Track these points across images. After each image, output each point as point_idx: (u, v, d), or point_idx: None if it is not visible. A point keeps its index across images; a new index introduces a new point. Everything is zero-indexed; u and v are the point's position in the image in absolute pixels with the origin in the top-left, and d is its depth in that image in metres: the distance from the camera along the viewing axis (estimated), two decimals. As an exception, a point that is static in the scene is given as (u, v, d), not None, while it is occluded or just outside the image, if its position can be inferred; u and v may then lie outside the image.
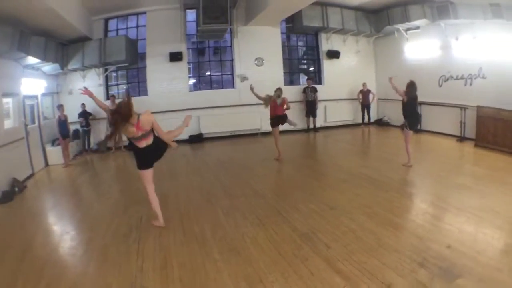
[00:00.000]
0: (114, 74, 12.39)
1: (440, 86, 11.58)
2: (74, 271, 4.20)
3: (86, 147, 11.30)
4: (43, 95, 10.19)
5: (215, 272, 3.96)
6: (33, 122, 9.54)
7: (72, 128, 10.92)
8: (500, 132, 9.19)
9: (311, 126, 12.93)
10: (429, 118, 11.94)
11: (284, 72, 13.40)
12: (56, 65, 10.32)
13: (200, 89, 12.78)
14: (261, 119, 12.43)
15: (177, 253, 4.44)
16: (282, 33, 13.20)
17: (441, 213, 5.36)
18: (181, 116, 10.38)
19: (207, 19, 10.70)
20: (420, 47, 12.18)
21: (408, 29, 12.20)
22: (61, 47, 10.42)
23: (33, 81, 9.49)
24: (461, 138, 10.64)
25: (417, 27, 11.92)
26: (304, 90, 12.90)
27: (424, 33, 11.91)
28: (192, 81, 12.87)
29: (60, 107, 9.98)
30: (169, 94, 11.87)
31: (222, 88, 12.80)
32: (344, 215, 5.37)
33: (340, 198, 6.19)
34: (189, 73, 12.67)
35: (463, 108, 10.60)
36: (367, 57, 14.25)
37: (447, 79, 11.34)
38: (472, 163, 8.56)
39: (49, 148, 9.91)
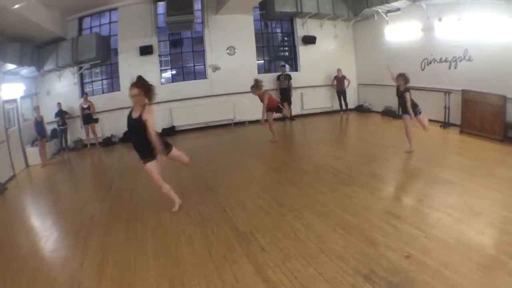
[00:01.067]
0: (88, 72, 11.55)
1: (423, 69, 10.17)
2: (33, 266, 3.96)
3: (64, 145, 10.67)
4: (22, 97, 9.75)
5: (144, 270, 3.62)
6: (14, 125, 9.18)
7: (50, 127, 10.41)
8: (488, 118, 7.96)
9: (288, 114, 11.55)
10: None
11: (260, 60, 12.31)
12: (33, 68, 9.86)
13: (176, 81, 11.82)
14: (234, 109, 11.58)
15: (115, 251, 4.13)
16: (256, 20, 11.99)
17: (409, 213, 4.36)
18: (155, 110, 9.48)
19: (172, 11, 9.79)
20: (401, 29, 10.85)
21: (388, 11, 10.89)
22: (37, 50, 9.99)
23: (12, 85, 9.14)
24: (445, 124, 9.37)
25: (398, 9, 10.56)
26: (278, 78, 11.87)
27: (405, 15, 10.52)
28: (167, 73, 11.96)
29: (36, 108, 9.56)
30: None
31: (195, 79, 11.76)
32: (292, 213, 4.61)
33: (295, 193, 5.42)
34: (164, 66, 11.76)
35: (447, 92, 9.36)
36: (346, 41, 12.92)
37: (430, 62, 9.94)
38: (456, 152, 7.34)
39: (28, 149, 9.49)
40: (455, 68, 9.18)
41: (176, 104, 11.04)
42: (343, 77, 11.97)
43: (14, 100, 9.25)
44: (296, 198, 5.15)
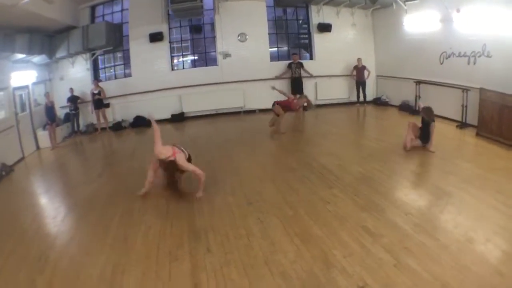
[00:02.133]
0: (103, 58, 11.69)
1: (442, 63, 9.52)
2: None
3: (76, 129, 10.89)
4: (34, 84, 10.08)
5: (98, 254, 3.74)
6: (24, 110, 9.50)
7: (63, 112, 10.94)
8: (505, 122, 7.09)
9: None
10: (429, 99, 9.81)
11: (273, 48, 11.89)
12: (44, 56, 10.10)
13: (188, 67, 11.74)
14: (244, 97, 11.37)
15: (82, 233, 4.35)
16: (269, 6, 11.52)
17: (387, 231, 3.77)
18: (164, 96, 10.92)
19: None
20: (420, 20, 10.14)
21: (407, 0, 10.17)
22: (48, 39, 10.15)
23: (23, 73, 9.48)
24: (462, 124, 8.67)
25: None
26: (289, 66, 11.41)
27: (424, 4, 9.81)
28: (179, 60, 11.78)
29: (47, 94, 9.92)
30: (151, 75, 11.03)
31: (206, 66, 11.59)
32: (256, 215, 4.35)
33: (270, 192, 5.11)
34: (177, 52, 11.56)
35: (465, 89, 8.65)
36: (365, 30, 12.25)
37: (449, 56, 9.25)
38: (466, 158, 6.48)
39: (40, 133, 9.75)
40: (474, 64, 8.45)
41: (186, 90, 10.96)
42: (363, 68, 11.45)
43: (26, 87, 9.55)
44: (268, 198, 4.87)
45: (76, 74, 10.88)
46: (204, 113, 11.27)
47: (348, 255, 3.32)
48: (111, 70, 11.61)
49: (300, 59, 11.48)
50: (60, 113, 10.71)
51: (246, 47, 11.17)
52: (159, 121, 10.53)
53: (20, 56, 8.94)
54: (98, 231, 4.30)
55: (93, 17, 11.08)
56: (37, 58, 9.99)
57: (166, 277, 3.21)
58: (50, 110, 9.59)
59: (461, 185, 4.91)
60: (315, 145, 7.75)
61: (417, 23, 10.18)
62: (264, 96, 10.80)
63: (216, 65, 11.27)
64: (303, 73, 11.34)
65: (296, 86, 11.19)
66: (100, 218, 4.70)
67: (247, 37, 11.17)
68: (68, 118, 10.81)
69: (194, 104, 11.04)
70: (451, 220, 3.93)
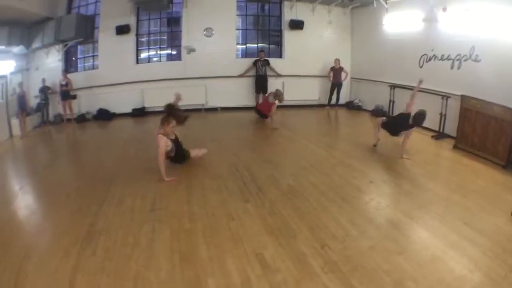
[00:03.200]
0: (80, 48, 9.62)
1: (421, 67, 7.07)
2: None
3: (46, 119, 8.98)
4: (12, 73, 8.45)
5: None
6: (2, 99, 8.09)
7: (36, 101, 9.01)
8: (491, 135, 5.14)
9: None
10: (402, 105, 7.28)
11: (243, 44, 9.41)
12: (22, 47, 8.55)
13: (153, 61, 9.38)
14: (206, 94, 8.97)
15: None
16: (239, 1, 8.97)
17: (284, 265, 2.49)
18: (127, 90, 8.66)
19: None
20: (401, 19, 7.59)
21: None
22: (26, 30, 8.59)
23: (2, 63, 8.06)
24: (439, 135, 6.42)
25: None
26: (255, 63, 8.88)
27: (407, 3, 7.37)
28: (145, 54, 9.39)
29: (20, 84, 8.30)
30: (116, 68, 8.75)
31: (171, 60, 9.25)
32: (152, 223, 3.17)
33: (178, 199, 3.74)
34: (145, 46, 9.22)
35: (445, 96, 6.37)
36: (342, 29, 9.45)
37: (430, 59, 6.86)
38: (434, 175, 4.56)
39: (13, 121, 8.12)
40: (458, 68, 6.06)
41: (149, 85, 8.64)
42: (341, 69, 8.82)
43: (4, 76, 8.02)
44: (174, 205, 3.54)
45: (50, 64, 8.91)
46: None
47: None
48: (83, 62, 9.48)
49: (267, 57, 8.89)
50: (34, 102, 8.83)
51: (212, 42, 8.69)
52: (121, 115, 8.68)
53: (1, 46, 7.77)
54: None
55: (69, 9, 9.02)
56: (16, 49, 8.41)
57: (52, 272, 2.45)
58: (22, 99, 8.01)
59: (416, 212, 3.33)
60: (255, 150, 5.66)
61: (398, 23, 7.54)
62: (227, 94, 8.69)
63: (180, 60, 8.89)
64: (269, 72, 8.82)
65: (260, 84, 8.73)
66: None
67: (213, 32, 8.69)
68: (39, 107, 8.91)
69: (156, 99, 8.47)
70: (384, 262, 2.49)
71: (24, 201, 3.92)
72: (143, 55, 9.14)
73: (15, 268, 2.48)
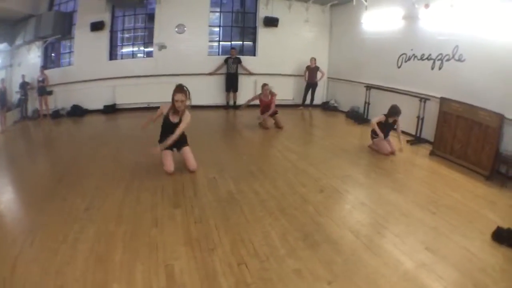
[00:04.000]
0: (63, 44, 8.36)
1: (399, 67, 5.69)
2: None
3: (24, 114, 7.93)
4: None
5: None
6: None
7: (18, 97, 7.93)
8: (473, 142, 4.03)
9: (231, 102, 7.61)
10: (379, 108, 5.93)
11: (215, 42, 7.99)
12: (6, 44, 7.67)
13: (126, 58, 8.05)
14: None
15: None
16: None
17: (191, 280, 1.96)
18: (100, 86, 7.49)
19: None
20: (380, 17, 6.15)
21: None
22: (10, 28, 7.64)
23: None
24: (415, 140, 5.22)
25: None
26: (226, 61, 7.47)
27: (387, 0, 5.88)
28: (119, 51, 8.07)
29: (2, 80, 7.43)
30: (90, 64, 7.47)
31: (144, 57, 7.89)
32: (83, 223, 2.62)
33: (114, 199, 3.01)
34: (120, 42, 7.93)
35: (423, 99, 5.14)
36: (320, 28, 7.87)
37: (409, 59, 5.47)
38: (405, 187, 3.42)
39: None
40: (440, 69, 4.68)
41: (121, 81, 7.35)
42: (317, 68, 7.39)
43: None
44: (108, 206, 2.90)
45: (31, 60, 7.77)
46: (136, 106, 7.51)
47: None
48: (64, 58, 8.19)
49: (242, 55, 7.57)
50: (16, 97, 7.78)
51: (183, 39, 7.31)
52: (94, 111, 7.43)
53: None
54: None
55: (51, 6, 7.77)
56: (0, 46, 7.47)
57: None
58: (2, 95, 7.17)
59: (366, 230, 2.46)
60: (209, 151, 4.49)
61: (377, 21, 6.08)
62: (198, 92, 7.10)
63: (151, 56, 7.51)
64: (241, 70, 7.43)
65: (230, 82, 7.39)
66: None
67: (185, 28, 7.28)
68: (19, 103, 7.82)
69: (127, 96, 7.39)
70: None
71: None
72: (117, 51, 7.80)
73: None
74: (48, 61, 8.17)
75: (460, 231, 2.47)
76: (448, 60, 4.68)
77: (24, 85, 7.60)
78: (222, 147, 4.90)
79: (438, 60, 4.84)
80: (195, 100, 7.46)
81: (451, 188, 3.34)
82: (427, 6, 4.95)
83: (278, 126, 5.73)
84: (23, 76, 7.57)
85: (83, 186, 3.40)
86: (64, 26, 7.43)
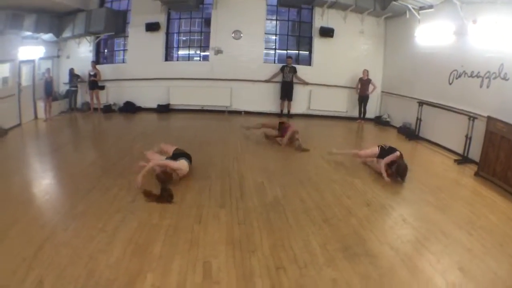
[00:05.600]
0: (117, 41, 10.89)
1: (451, 83, 7.21)
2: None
3: (73, 105, 10.23)
4: (41, 59, 9.70)
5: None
6: (29, 82, 9.25)
7: (66, 88, 10.29)
8: None
9: (285, 111, 9.57)
10: (430, 124, 7.74)
11: (271, 49, 10.17)
12: (52, 35, 9.64)
13: (182, 60, 10.41)
14: (231, 96, 9.74)
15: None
16: (269, 5, 9.76)
17: (226, 277, 2.62)
18: (154, 85, 9.74)
19: None
20: (433, 31, 7.84)
21: (421, 8, 7.97)
22: (57, 19, 9.66)
23: (31, 48, 9.23)
24: (462, 159, 6.37)
25: (430, 6, 7.67)
26: (282, 69, 9.50)
27: (438, 14, 7.58)
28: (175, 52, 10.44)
29: (47, 70, 9.49)
30: (144, 63, 9.81)
31: (199, 60, 10.20)
32: (123, 213, 3.58)
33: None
34: (172, 44, 10.29)
35: (472, 117, 6.33)
36: (375, 39, 9.88)
37: (460, 75, 6.95)
38: (448, 207, 4.28)
39: (39, 104, 9.37)
40: (488, 87, 6.14)
41: (175, 82, 9.57)
42: (369, 81, 9.25)
43: (32, 61, 9.22)
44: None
45: (81, 54, 10.10)
46: (190, 107, 9.74)
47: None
48: (113, 54, 10.75)
49: (296, 64, 9.59)
50: (63, 88, 10.12)
51: (240, 45, 9.49)
52: (146, 110, 9.74)
53: (28, 32, 8.66)
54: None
55: (102, 2, 10.11)
56: (46, 36, 9.50)
57: (26, 240, 2.96)
58: (49, 84, 9.19)
59: (407, 247, 3.12)
60: (258, 156, 5.99)
61: (429, 35, 7.88)
62: (252, 98, 9.44)
63: (207, 60, 9.73)
64: (295, 79, 9.45)
65: (285, 91, 9.37)
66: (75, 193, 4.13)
67: (241, 35, 9.47)
68: (67, 94, 10.14)
69: (181, 97, 9.60)
70: None
71: (28, 178, 4.73)
72: (173, 53, 10.15)
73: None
74: (100, 57, 10.53)
75: (492, 254, 3.09)
76: (495, 78, 5.89)
77: (74, 78, 9.87)
78: (272, 154, 6.23)
79: (486, 78, 6.07)
80: (249, 106, 10.00)
81: (489, 210, 4.13)
82: (474, 21, 6.45)
83: (301, 149, 6.46)
84: (71, 68, 9.85)
85: (129, 180, 4.37)
86: (117, 23, 9.74)
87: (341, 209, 3.91)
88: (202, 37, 9.99)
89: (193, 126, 8.38)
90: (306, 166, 5.59)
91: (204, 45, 9.94)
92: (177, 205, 3.78)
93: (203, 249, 2.93)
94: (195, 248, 2.94)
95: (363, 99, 9.42)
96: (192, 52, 10.27)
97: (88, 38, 9.94)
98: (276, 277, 2.58)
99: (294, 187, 4.54)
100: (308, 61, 9.99)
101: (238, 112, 9.74)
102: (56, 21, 9.61)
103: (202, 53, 10.12)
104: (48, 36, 9.60)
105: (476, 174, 5.50)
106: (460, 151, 6.53)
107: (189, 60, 10.14)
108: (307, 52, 10.07)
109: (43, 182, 4.62)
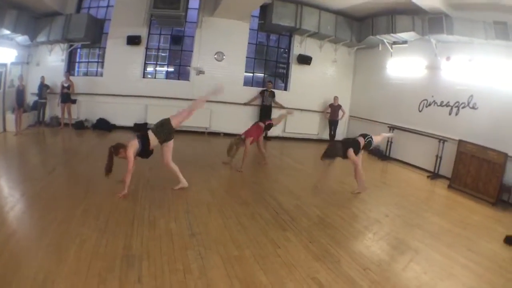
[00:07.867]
0: (82, 52, 9.80)
1: (420, 111, 7.95)
2: None
3: (41, 119, 8.96)
4: (13, 64, 8.36)
5: (32, 259, 2.72)
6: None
7: (34, 98, 8.95)
8: (482, 176, 6.08)
9: (264, 134, 9.07)
10: (401, 146, 8.36)
11: (249, 73, 9.94)
12: (26, 37, 8.42)
13: (160, 78, 9.77)
14: (210, 118, 9.29)
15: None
16: (252, 29, 9.66)
17: (338, 286, 2.86)
18: (131, 103, 8.97)
19: (160, 3, 7.88)
20: (405, 64, 8.46)
21: (395, 42, 8.49)
22: (33, 20, 8.52)
23: (4, 50, 7.93)
24: (434, 175, 7.28)
25: (405, 41, 8.23)
26: (262, 93, 9.39)
27: (412, 49, 8.22)
28: (152, 68, 9.73)
29: (20, 77, 8.20)
30: (122, 78, 9.04)
31: (179, 79, 9.60)
32: (197, 249, 3.20)
33: (216, 225, 3.82)
34: (153, 60, 9.67)
35: (442, 140, 7.27)
36: (345, 68, 10.29)
37: (429, 104, 7.74)
38: (436, 211, 5.26)
39: (8, 115, 8.10)
40: (456, 114, 6.92)
41: (154, 101, 8.89)
42: (339, 107, 9.53)
43: (4, 65, 7.95)
44: (214, 231, 3.62)
45: (52, 62, 8.96)
46: None
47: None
48: (86, 66, 9.63)
49: (273, 88, 9.46)
50: (30, 99, 8.77)
51: (221, 67, 9.17)
52: (122, 128, 8.82)
53: (5, 32, 7.54)
54: (36, 233, 3.27)
55: (79, 7, 9.18)
56: (20, 38, 8.32)
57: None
58: (20, 93, 7.95)
59: (428, 240, 3.96)
60: (274, 180, 6.03)
61: (401, 68, 8.37)
62: (232, 120, 9.04)
63: (188, 80, 9.25)
64: (273, 103, 9.36)
65: (265, 114, 9.10)
66: (41, 219, 3.53)
67: (224, 56, 9.19)
68: (36, 106, 8.88)
69: (160, 116, 8.26)
70: (414, 278, 3.09)
71: (28, 212, 3.74)
72: (150, 69, 9.45)
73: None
74: (73, 67, 9.40)
75: (485, 239, 4.16)
76: (464, 107, 6.85)
77: (43, 88, 8.63)
78: (282, 177, 6.12)
79: (455, 107, 7.01)
80: (228, 128, 9.43)
81: (470, 212, 5.24)
82: (448, 58, 7.18)
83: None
84: (42, 77, 8.61)
85: (167, 210, 4.04)
86: (95, 32, 8.85)
87: (371, 221, 4.43)
88: (181, 56, 9.47)
89: (184, 149, 7.40)
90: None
91: (183, 64, 9.46)
92: (242, 234, 3.63)
93: (301, 269, 3.02)
94: (294, 269, 3.01)
95: (333, 123, 9.68)
96: (171, 69, 9.77)
97: (62, 45, 8.90)
98: (368, 276, 3.02)
99: (325, 206, 4.75)
100: (282, 86, 10.00)
101: (217, 134, 9.29)
102: (32, 23, 8.45)
103: (180, 72, 9.56)
104: (22, 39, 8.40)
105: (449, 186, 6.51)
106: (431, 168, 7.37)
107: (166, 77, 9.61)
108: (282, 77, 10.10)
109: (56, 221, 3.55)
